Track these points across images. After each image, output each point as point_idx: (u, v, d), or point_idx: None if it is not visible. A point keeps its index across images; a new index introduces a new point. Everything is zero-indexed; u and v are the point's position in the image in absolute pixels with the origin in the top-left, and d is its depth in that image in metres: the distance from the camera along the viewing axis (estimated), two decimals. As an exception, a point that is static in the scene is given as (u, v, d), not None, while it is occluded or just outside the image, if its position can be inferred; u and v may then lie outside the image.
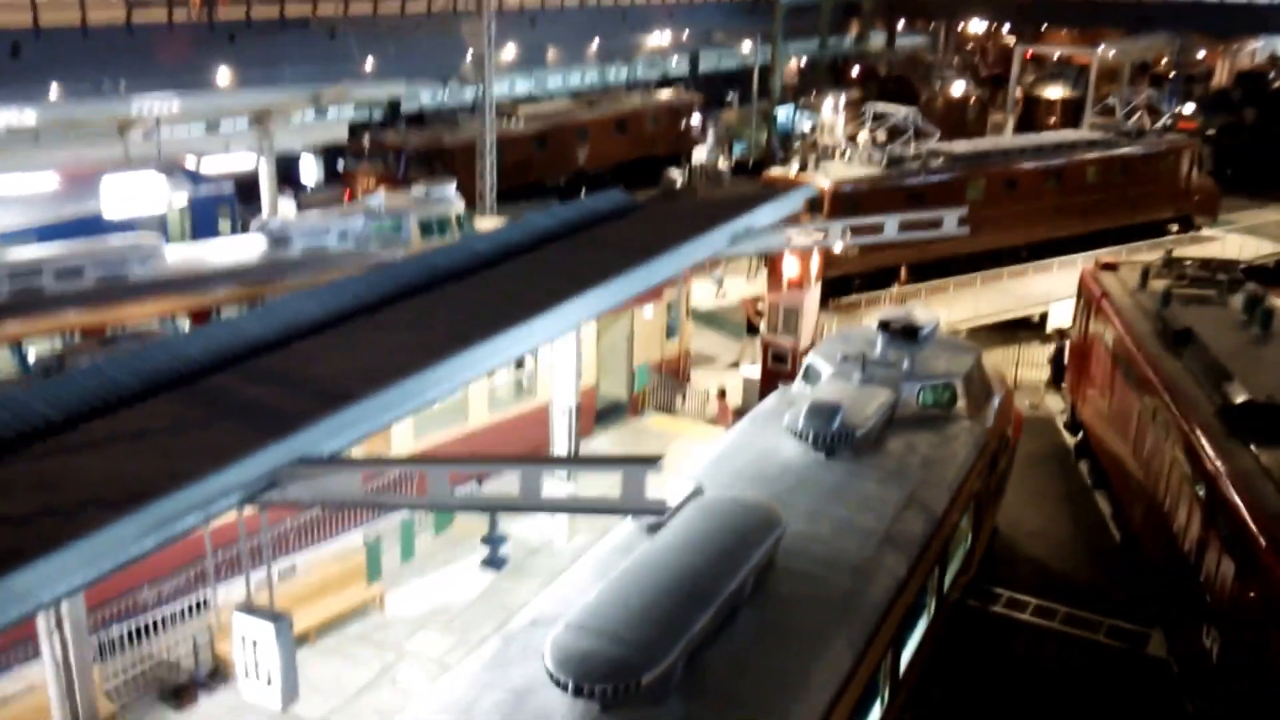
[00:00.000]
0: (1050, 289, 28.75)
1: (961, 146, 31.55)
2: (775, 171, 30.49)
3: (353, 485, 7.00)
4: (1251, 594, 11.61)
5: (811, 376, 14.76)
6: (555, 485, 13.27)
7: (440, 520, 14.28)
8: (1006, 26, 64.66)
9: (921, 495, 12.10)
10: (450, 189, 24.26)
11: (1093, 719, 13.85)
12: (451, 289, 11.23)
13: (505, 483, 12.94)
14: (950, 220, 13.66)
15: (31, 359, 17.64)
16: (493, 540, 7.51)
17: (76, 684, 8.16)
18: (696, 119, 44.60)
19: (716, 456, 12.76)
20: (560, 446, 14.86)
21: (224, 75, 35.28)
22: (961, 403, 14.27)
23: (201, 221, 26.88)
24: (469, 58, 35.20)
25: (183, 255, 21.34)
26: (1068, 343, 25.16)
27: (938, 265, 29.01)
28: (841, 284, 27.60)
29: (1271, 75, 49.25)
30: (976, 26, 66.17)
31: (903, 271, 29.06)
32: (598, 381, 19.07)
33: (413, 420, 13.98)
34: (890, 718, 10.72)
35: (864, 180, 28.16)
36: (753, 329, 25.35)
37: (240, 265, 21.02)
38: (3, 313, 17.86)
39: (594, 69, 51.08)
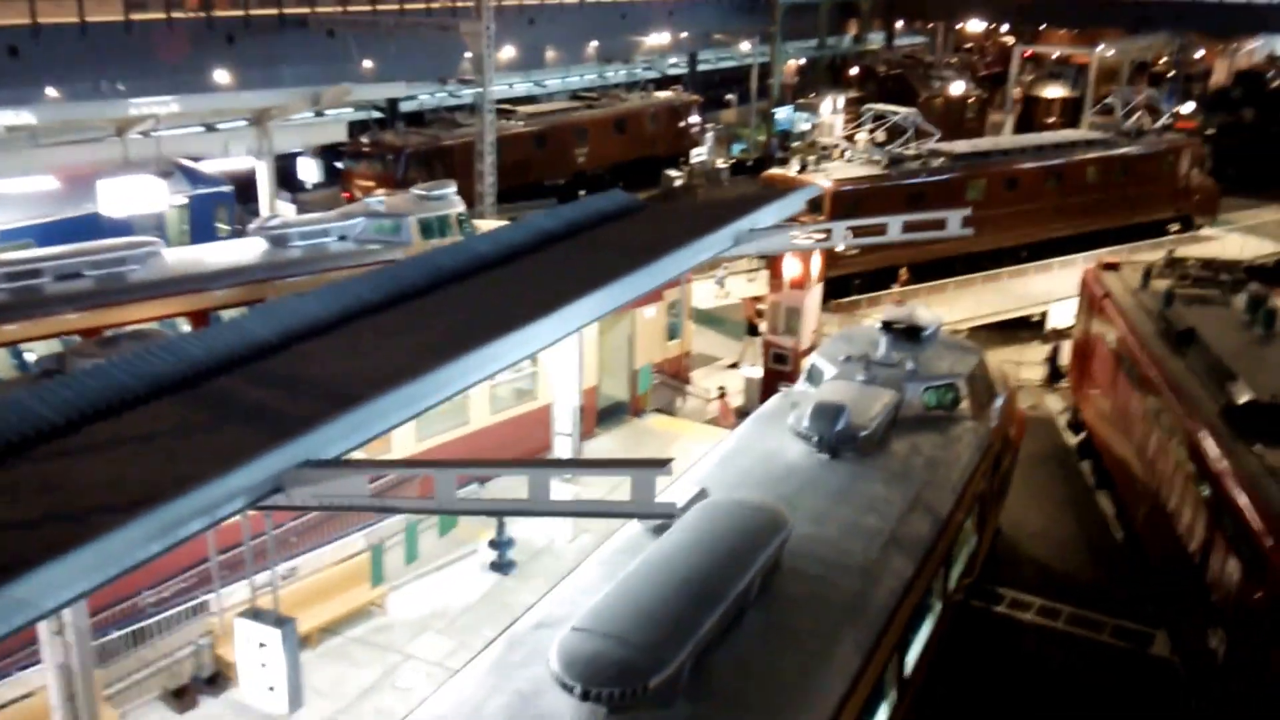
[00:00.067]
0: (1050, 289, 28.76)
1: (961, 146, 31.55)
2: (775, 171, 30.47)
3: (359, 489, 6.94)
4: (1258, 594, 11.58)
5: (815, 377, 14.72)
6: (559, 487, 13.21)
7: (444, 523, 14.22)
8: (1005, 26, 64.66)
9: (926, 496, 12.06)
10: (450, 189, 24.17)
11: (1097, 719, 13.82)
12: (455, 290, 11.17)
13: (513, 486, 12.94)
14: (954, 221, 13.62)
15: (31, 360, 17.55)
16: (500, 544, 7.43)
17: (79, 689, 8.10)
18: (695, 119, 44.54)
19: (720, 458, 12.71)
20: (562, 448, 14.81)
21: (222, 75, 35.21)
22: (965, 403, 14.23)
23: (200, 222, 26.80)
24: (467, 57, 35.14)
25: (182, 256, 21.27)
26: (1063, 343, 25.22)
27: (938, 265, 29.00)
28: (841, 284, 27.58)
29: (1270, 74, 49.26)
30: (975, 26, 66.15)
31: (903, 271, 29.04)
32: (599, 382, 19.02)
33: (414, 422, 13.91)
34: (896, 720, 10.69)
35: (865, 180, 28.15)
36: (753, 329, 25.31)
37: (239, 266, 20.95)
38: (2, 314, 17.78)
39: (593, 69, 51.05)
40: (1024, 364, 25.32)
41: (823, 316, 23.35)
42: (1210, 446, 13.63)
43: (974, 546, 14.02)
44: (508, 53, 42.07)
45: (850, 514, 11.28)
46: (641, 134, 41.60)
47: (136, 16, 36.50)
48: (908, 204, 27.54)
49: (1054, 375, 25.04)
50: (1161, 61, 54.41)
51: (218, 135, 28.38)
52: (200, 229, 26.52)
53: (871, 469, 12.27)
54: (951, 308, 26.18)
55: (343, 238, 22.32)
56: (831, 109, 44.06)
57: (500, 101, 36.24)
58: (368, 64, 38.73)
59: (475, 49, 30.58)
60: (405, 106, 41.47)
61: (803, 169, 28.50)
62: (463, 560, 14.51)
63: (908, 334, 15.04)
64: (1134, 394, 17.29)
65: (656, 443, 18.86)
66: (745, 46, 50.11)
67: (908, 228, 14.02)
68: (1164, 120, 35.26)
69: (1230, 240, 34.01)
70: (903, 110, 30.98)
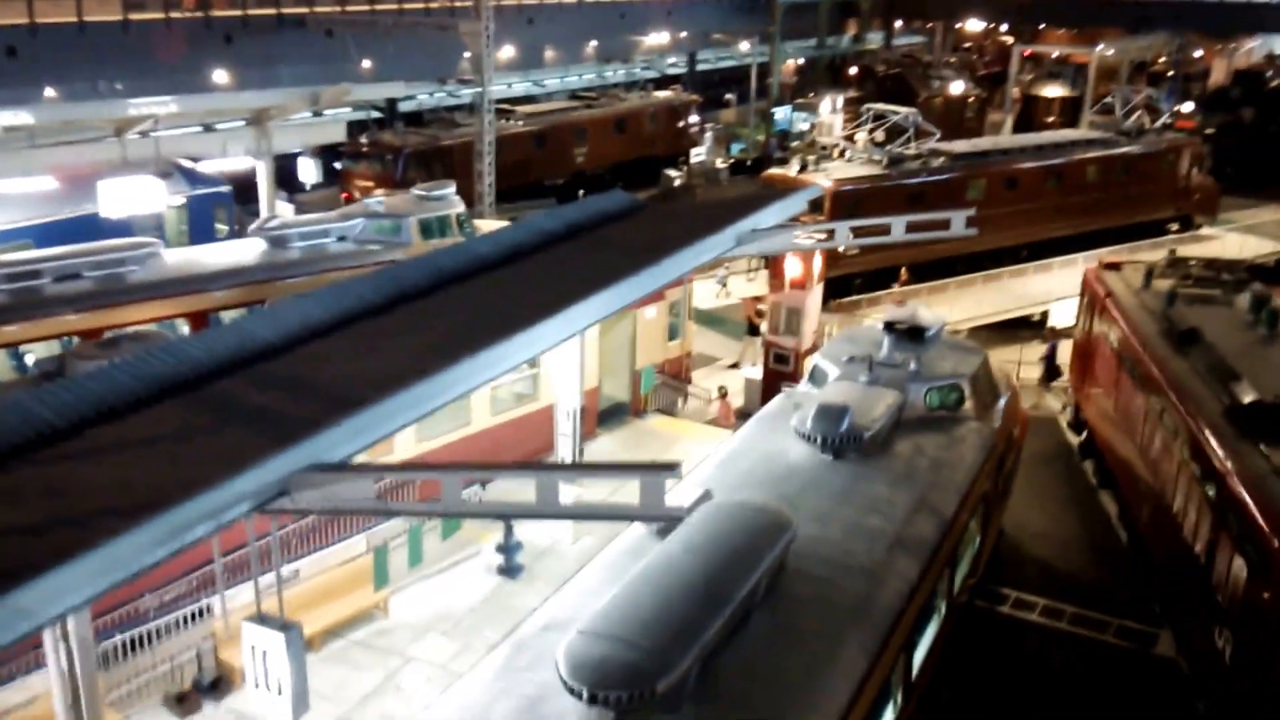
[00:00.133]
0: (1051, 288, 28.76)
1: (961, 146, 31.54)
2: (775, 171, 30.44)
3: (365, 492, 6.89)
4: (1265, 594, 11.56)
5: (818, 378, 14.69)
6: (563, 489, 13.16)
7: (448, 525, 14.17)
8: (1004, 25, 64.65)
9: (931, 497, 12.03)
10: (450, 189, 24.11)
11: (1101, 719, 13.80)
12: (457, 291, 11.11)
13: (515, 488, 12.89)
14: (958, 221, 13.58)
15: (30, 362, 17.48)
16: (508, 548, 7.41)
17: (82, 695, 8.05)
18: (695, 119, 44.51)
19: (724, 459, 12.68)
20: (564, 449, 14.76)
21: (221, 75, 35.12)
22: (969, 404, 14.21)
23: (199, 222, 26.73)
24: (466, 57, 35.09)
25: (181, 257, 21.20)
26: (1060, 342, 25.24)
27: (938, 265, 28.98)
28: (842, 284, 27.56)
29: (1269, 74, 49.28)
30: (974, 25, 66.13)
31: (903, 271, 29.02)
32: (600, 383, 18.98)
33: (415, 424, 13.88)
34: (902, 722, 10.65)
35: (865, 180, 28.12)
36: (753, 329, 25.28)
37: (239, 267, 20.88)
38: (0, 315, 17.70)
39: (592, 68, 50.99)
40: (1024, 364, 25.29)
41: (823, 317, 23.32)
42: (1215, 446, 13.61)
43: (978, 547, 14.00)
44: (507, 52, 41.99)
45: (855, 515, 11.25)
46: (641, 134, 41.55)
47: (135, 16, 36.41)
48: (908, 204, 27.53)
49: (1050, 374, 25.05)
50: (1161, 61, 54.44)
51: (216, 135, 28.31)
52: (199, 230, 26.44)
53: (875, 470, 12.24)
54: (952, 307, 26.16)
55: (342, 238, 22.26)
56: (831, 109, 44.01)
57: (499, 101, 36.18)
58: (366, 64, 38.65)
59: (474, 49, 30.52)
60: (404, 106, 41.40)
61: (803, 169, 28.47)
62: (465, 562, 14.47)
63: (910, 334, 15.02)
64: (1137, 394, 17.27)
65: (658, 443, 18.83)
66: (744, 46, 50.09)
67: (911, 228, 13.98)
68: (1164, 120, 35.26)
69: (1230, 240, 34.03)
70: (903, 110, 30.95)
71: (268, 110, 25.93)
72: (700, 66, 55.28)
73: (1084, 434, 21.40)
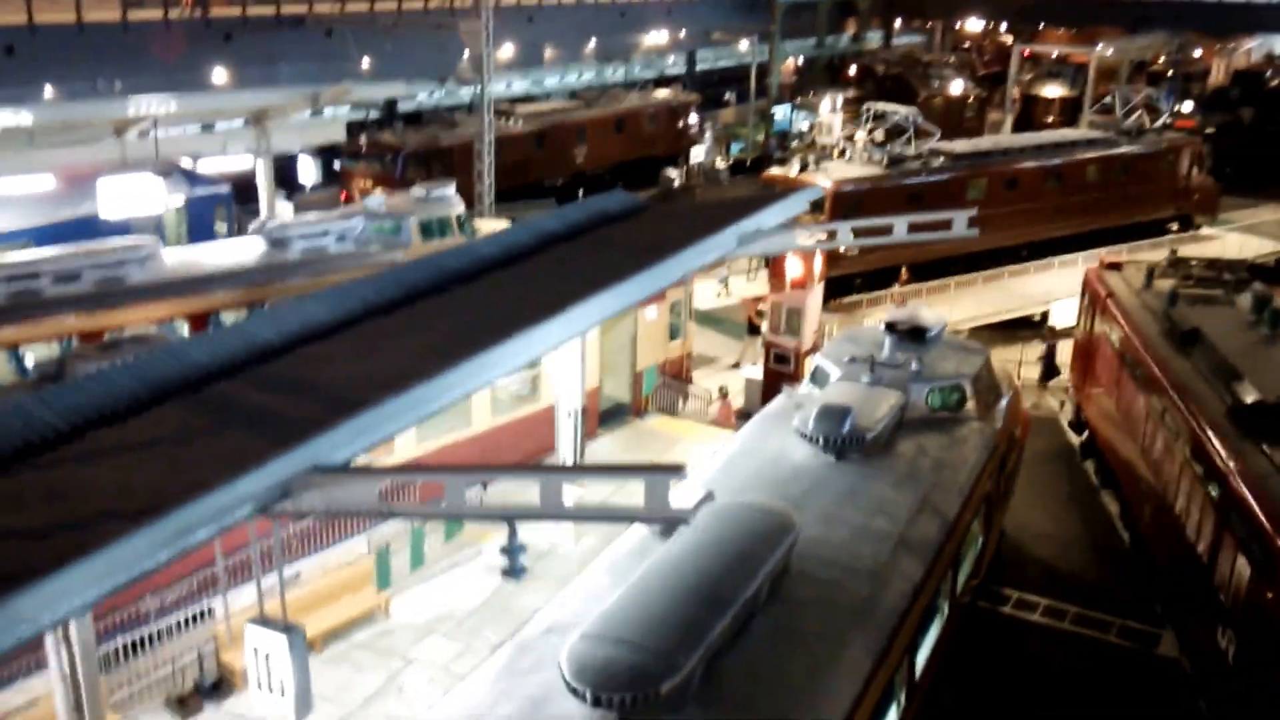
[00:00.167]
0: (1051, 288, 28.74)
1: (962, 146, 31.51)
2: (775, 171, 30.42)
3: (369, 494, 6.87)
4: (1269, 594, 11.54)
5: (819, 378, 14.67)
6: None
7: (450, 526, 14.14)
8: (1003, 25, 64.64)
9: (934, 498, 12.02)
10: (450, 189, 24.08)
11: (1104, 719, 13.81)
12: (460, 292, 11.09)
13: (517, 489, 12.86)
14: (960, 221, 13.55)
15: (30, 364, 17.43)
16: (512, 550, 7.41)
17: (85, 697, 8.01)
18: (694, 118, 44.48)
19: (726, 460, 12.66)
20: (566, 450, 14.73)
21: (220, 75, 35.06)
22: (971, 404, 14.19)
23: (198, 223, 26.70)
24: (466, 56, 35.03)
25: (181, 258, 21.16)
26: (1058, 342, 25.24)
27: (938, 265, 28.96)
28: (842, 284, 27.54)
29: (1268, 74, 49.27)
30: (974, 25, 66.12)
31: (903, 271, 29.00)
32: (601, 383, 18.94)
33: (415, 425, 13.85)
34: (906, 723, 10.63)
35: (866, 180, 28.10)
36: (753, 329, 25.25)
37: (239, 268, 20.84)
38: (0, 317, 17.67)
39: (591, 68, 50.93)
40: (1024, 363, 25.29)
41: (823, 317, 23.30)
42: (1217, 446, 13.59)
43: (980, 548, 13.98)
44: (506, 51, 41.91)
45: (858, 516, 11.23)
46: (640, 134, 41.51)
47: (134, 15, 36.33)
48: (908, 204, 27.51)
49: (1047, 374, 25.06)
50: (1160, 61, 54.42)
51: (216, 135, 28.27)
52: (198, 230, 26.42)
53: (878, 471, 12.22)
54: (952, 307, 26.15)
55: (342, 239, 22.22)
56: (830, 108, 43.99)
57: (499, 101, 36.14)
58: (366, 63, 38.59)
59: (474, 47, 30.46)
60: (403, 106, 41.33)
61: (803, 169, 28.44)
62: (466, 564, 14.44)
63: (912, 335, 14.99)
64: (1138, 394, 17.26)
65: (658, 444, 18.80)
66: (744, 45, 50.05)
67: (913, 228, 13.95)
68: (1163, 119, 35.25)
69: (1230, 239, 34.02)
70: (903, 109, 30.93)
71: (267, 110, 25.89)
72: (699, 66, 55.23)
73: (1085, 434, 21.38)
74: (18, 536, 6.01)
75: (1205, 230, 35.18)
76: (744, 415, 20.20)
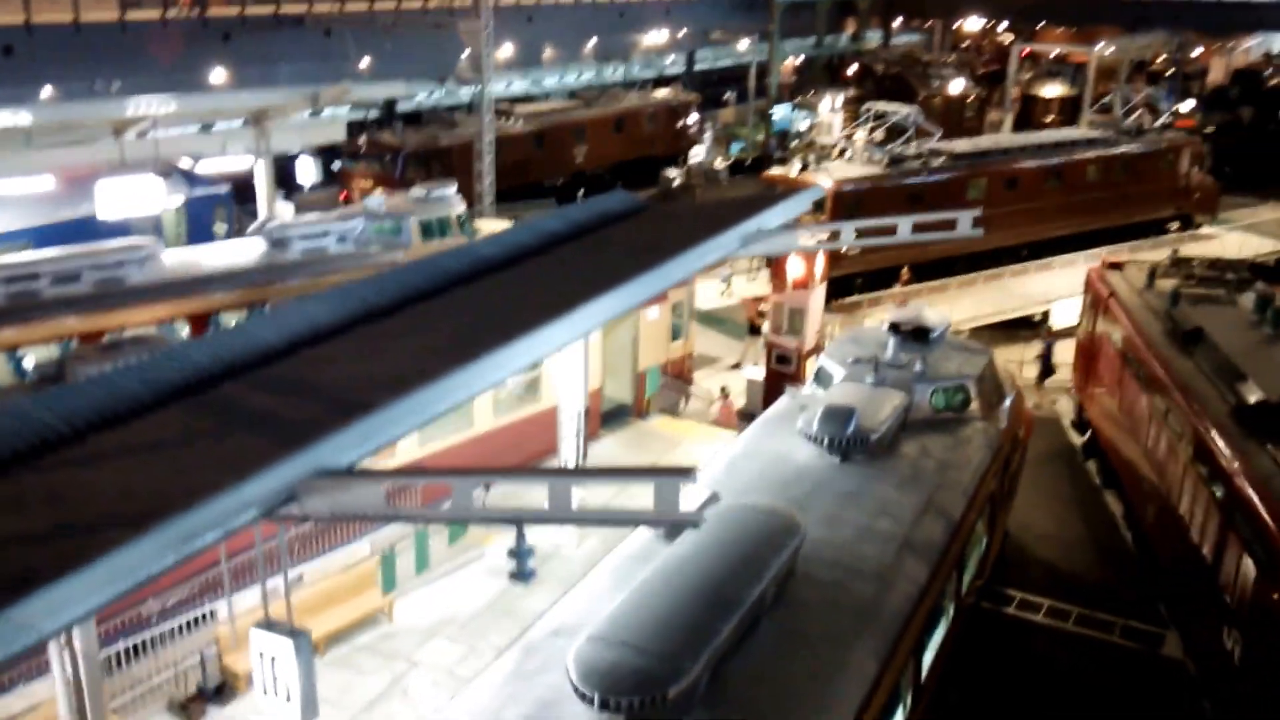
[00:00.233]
0: (1052, 288, 28.71)
1: (962, 145, 31.48)
2: (775, 171, 30.38)
3: (375, 497, 6.81)
4: (1275, 594, 11.51)
5: (823, 379, 14.63)
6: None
7: (455, 529, 14.08)
8: (1003, 24, 64.63)
9: (939, 499, 11.98)
10: (451, 190, 24.01)
11: (1109, 721, 13.76)
12: (463, 293, 11.03)
13: (524, 491, 12.80)
14: (965, 221, 13.51)
15: (29, 366, 17.36)
16: (520, 553, 7.32)
17: (88, 703, 7.95)
18: (694, 118, 44.44)
19: (730, 461, 12.61)
20: (568, 451, 14.68)
21: (219, 75, 34.98)
22: (975, 404, 14.15)
23: (197, 223, 26.63)
24: (465, 56, 34.96)
25: (180, 258, 21.09)
26: (1056, 341, 25.22)
27: (939, 265, 28.93)
28: (843, 284, 27.49)
29: (1267, 73, 49.26)
30: (973, 24, 66.10)
31: (904, 271, 28.97)
32: (603, 384, 18.89)
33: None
34: (911, 725, 10.58)
35: (866, 180, 28.06)
36: (754, 329, 25.21)
37: (239, 268, 20.77)
38: (-1, 318, 17.60)
39: (591, 68, 50.87)
40: (1025, 363, 25.25)
41: (825, 317, 23.26)
42: (1222, 447, 13.56)
43: (984, 549, 13.94)
44: (505, 51, 41.87)
45: (863, 518, 11.18)
46: (640, 133, 41.46)
47: (132, 16, 36.25)
48: (909, 203, 27.47)
49: (1044, 373, 25.04)
50: (1159, 60, 54.42)
51: (215, 135, 28.17)
52: (198, 231, 26.34)
53: (883, 472, 12.18)
54: (953, 307, 26.11)
55: (342, 239, 22.16)
56: (830, 108, 43.94)
57: (498, 101, 36.05)
58: (365, 63, 38.53)
59: (474, 47, 30.41)
60: (402, 106, 41.25)
61: (804, 168, 28.40)
62: (469, 566, 14.39)
63: (916, 335, 14.95)
64: (1141, 394, 17.22)
65: (660, 445, 18.76)
66: (743, 45, 50.01)
67: (918, 228, 13.91)
68: (1163, 119, 35.23)
69: (1230, 238, 34.00)
70: (904, 109, 30.89)
71: (266, 110, 25.81)
72: (698, 66, 55.19)
73: (1087, 434, 21.35)
74: (19, 541, 5.94)
75: (1205, 229, 35.16)
76: (745, 416, 20.16)
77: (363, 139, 34.14)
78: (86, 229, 22.45)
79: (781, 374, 20.89)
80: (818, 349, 21.06)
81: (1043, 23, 58.49)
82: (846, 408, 12.47)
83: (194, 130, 28.05)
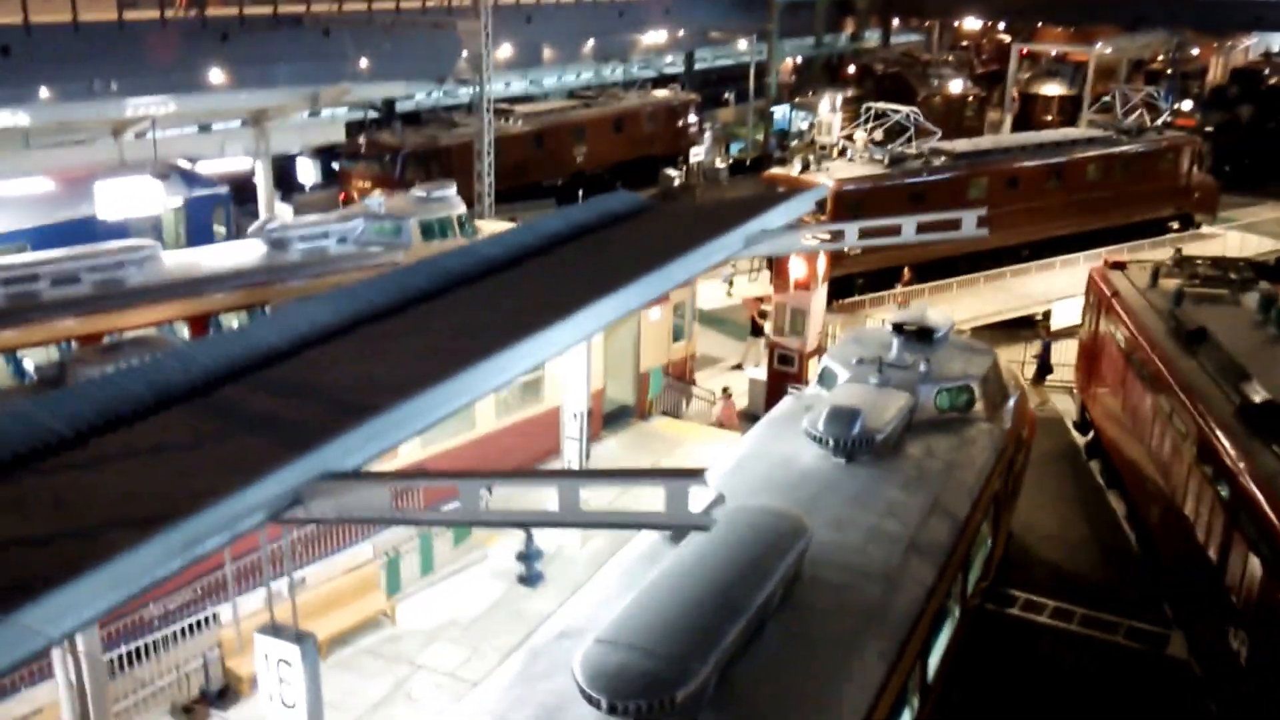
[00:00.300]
0: (1053, 287, 28.68)
1: (962, 145, 31.45)
2: (776, 171, 30.33)
3: (381, 500, 6.76)
4: (1282, 597, 11.48)
5: (827, 380, 14.58)
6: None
7: (459, 531, 14.02)
8: (1002, 24, 64.59)
9: (944, 500, 11.93)
10: (451, 190, 23.95)
11: (1114, 723, 13.72)
12: (465, 294, 10.98)
13: (527, 494, 12.75)
14: (969, 221, 13.47)
15: (29, 368, 17.29)
16: (529, 556, 7.29)
17: (91, 707, 7.89)
18: (693, 118, 44.39)
19: (734, 462, 12.56)
20: (571, 452, 14.62)
21: (217, 75, 34.88)
22: (979, 405, 14.11)
23: (197, 224, 26.57)
24: (464, 56, 34.88)
25: (180, 260, 21.03)
26: (1053, 341, 25.19)
27: (940, 265, 28.89)
28: (844, 284, 27.45)
29: (1266, 72, 49.25)
30: (972, 24, 66.06)
31: (906, 271, 28.93)
32: (604, 385, 18.84)
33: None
34: (918, 727, 10.54)
35: (867, 180, 28.01)
36: (756, 330, 25.17)
37: (239, 269, 20.72)
38: (-1, 320, 17.53)
39: (590, 67, 50.79)
40: (1026, 363, 25.23)
41: (827, 317, 23.22)
42: (1226, 446, 13.52)
43: (989, 550, 13.90)
44: (505, 51, 41.77)
45: (869, 519, 11.14)
46: (639, 133, 41.41)
47: (129, 16, 36.12)
48: (910, 203, 27.43)
49: (1041, 372, 25.03)
50: (1159, 59, 54.40)
51: (214, 136, 28.13)
52: (197, 232, 26.28)
53: (888, 473, 12.13)
54: (955, 307, 26.07)
55: (342, 240, 22.10)
56: (830, 108, 43.90)
57: (497, 101, 35.99)
58: (364, 63, 38.42)
59: (473, 47, 30.32)
60: (402, 106, 41.15)
61: (804, 168, 28.35)
62: (472, 568, 14.32)
63: (919, 335, 14.91)
64: (1145, 394, 17.19)
65: (663, 445, 18.71)
66: (742, 44, 49.95)
67: (922, 228, 13.86)
68: (1163, 118, 35.22)
69: (1230, 237, 33.99)
70: (904, 109, 30.86)
71: (265, 110, 25.77)
72: (698, 65, 55.09)
73: (1090, 434, 21.31)
74: (23, 546, 5.89)
75: (1205, 229, 35.14)
76: (748, 416, 20.12)
77: (362, 139, 34.07)
78: (85, 230, 22.40)
79: (783, 374, 20.85)
80: (819, 349, 21.03)
81: (1041, 22, 58.45)
82: (852, 408, 12.42)
83: (193, 131, 28.01)
